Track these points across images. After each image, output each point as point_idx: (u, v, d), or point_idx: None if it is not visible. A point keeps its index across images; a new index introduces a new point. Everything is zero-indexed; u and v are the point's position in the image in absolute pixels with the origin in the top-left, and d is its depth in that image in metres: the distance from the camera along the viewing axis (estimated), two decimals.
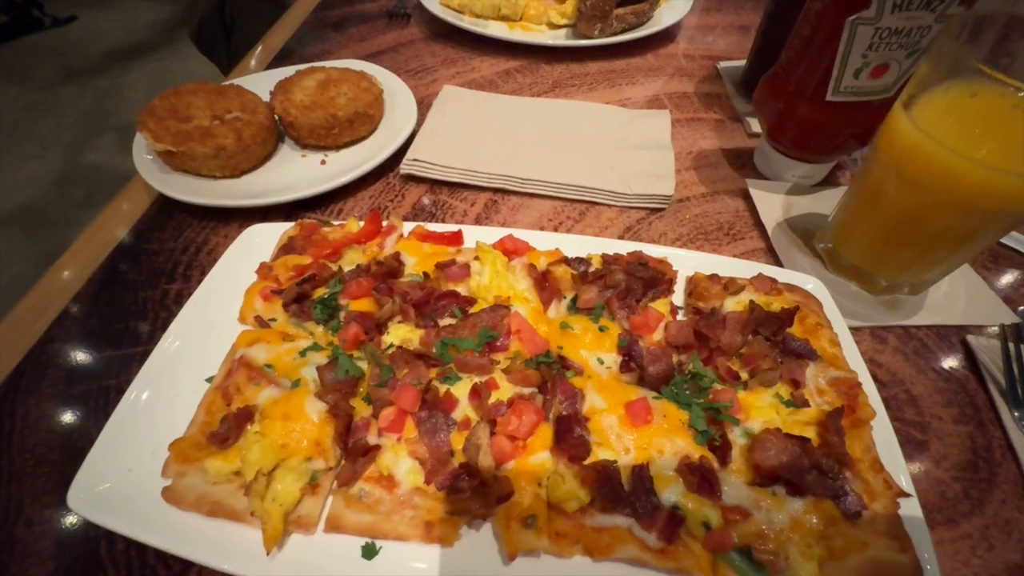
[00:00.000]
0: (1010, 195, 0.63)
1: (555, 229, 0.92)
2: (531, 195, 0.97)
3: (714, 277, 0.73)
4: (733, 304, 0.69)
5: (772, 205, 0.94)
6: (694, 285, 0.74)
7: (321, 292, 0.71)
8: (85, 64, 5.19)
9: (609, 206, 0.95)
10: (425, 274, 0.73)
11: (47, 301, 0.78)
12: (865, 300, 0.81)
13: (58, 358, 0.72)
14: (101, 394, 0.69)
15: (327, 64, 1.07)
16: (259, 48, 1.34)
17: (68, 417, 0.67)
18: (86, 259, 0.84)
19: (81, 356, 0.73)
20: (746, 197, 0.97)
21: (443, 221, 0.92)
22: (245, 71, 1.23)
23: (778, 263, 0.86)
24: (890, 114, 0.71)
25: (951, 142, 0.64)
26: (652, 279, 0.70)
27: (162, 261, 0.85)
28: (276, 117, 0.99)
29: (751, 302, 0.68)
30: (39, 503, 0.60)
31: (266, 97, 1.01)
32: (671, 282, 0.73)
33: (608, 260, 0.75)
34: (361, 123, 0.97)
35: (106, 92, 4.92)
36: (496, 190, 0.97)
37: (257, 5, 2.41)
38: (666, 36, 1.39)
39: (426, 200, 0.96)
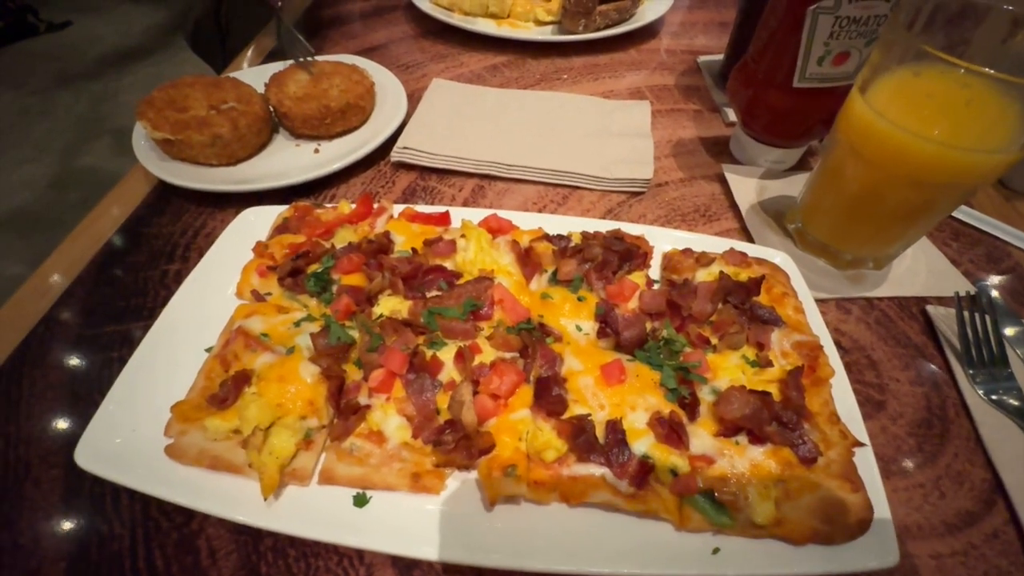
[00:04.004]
0: (958, 168, 0.68)
1: (539, 212, 0.96)
2: (517, 180, 1.01)
3: (687, 251, 0.77)
4: (704, 275, 0.74)
5: (746, 188, 0.99)
6: (669, 260, 0.78)
7: (315, 267, 0.75)
8: (80, 69, 5.21)
9: (591, 190, 1.00)
10: (414, 250, 0.77)
11: (51, 281, 0.82)
12: (832, 275, 0.86)
13: (62, 332, 0.76)
14: (104, 365, 0.73)
15: (319, 58, 1.11)
16: (251, 48, 1.38)
17: (73, 386, 0.71)
18: (88, 242, 0.88)
19: (85, 330, 0.76)
20: (722, 182, 1.02)
21: (431, 204, 0.96)
22: (238, 69, 1.27)
23: (751, 241, 0.91)
24: (848, 98, 0.76)
25: (902, 121, 0.68)
26: (627, 252, 0.74)
27: (161, 244, 0.88)
28: (271, 108, 1.03)
29: (721, 272, 0.73)
30: (46, 463, 0.63)
31: (261, 89, 1.05)
32: (647, 256, 0.77)
33: (587, 237, 0.80)
34: (353, 114, 1.01)
35: (101, 96, 4.95)
36: (483, 176, 1.01)
37: (252, 8, 2.45)
38: (649, 32, 1.44)
39: (416, 186, 1.00)
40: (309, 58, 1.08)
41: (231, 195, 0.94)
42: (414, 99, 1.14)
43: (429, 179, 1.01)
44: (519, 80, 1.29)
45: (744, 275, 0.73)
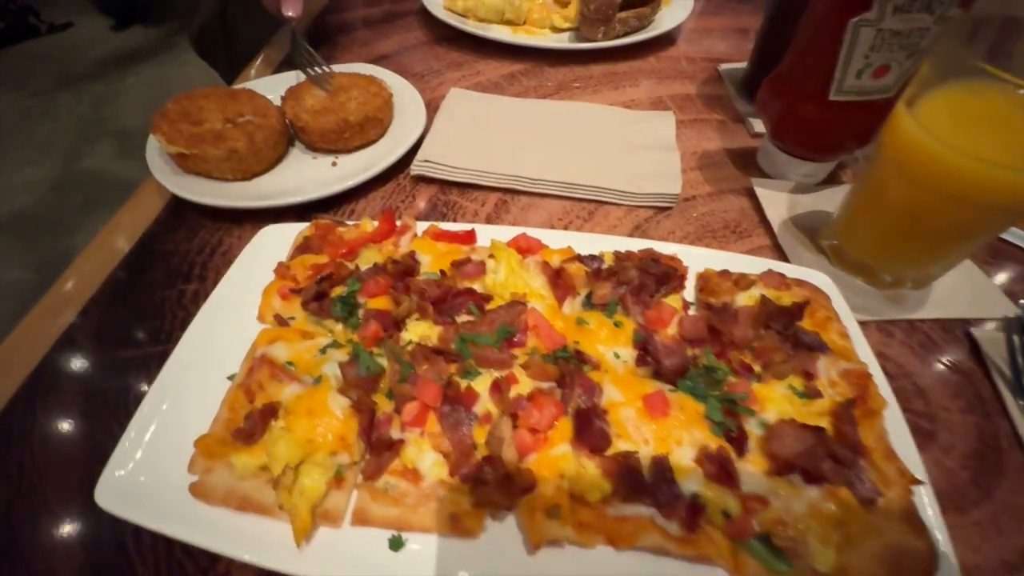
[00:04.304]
0: (1010, 189, 0.65)
1: (565, 228, 0.93)
2: (541, 195, 0.98)
3: (724, 273, 0.75)
4: (744, 299, 0.71)
5: (777, 203, 0.96)
6: (705, 281, 0.75)
7: (339, 290, 0.72)
8: (81, 70, 5.17)
9: (617, 205, 0.97)
10: (442, 272, 0.74)
11: (63, 303, 0.79)
12: (871, 295, 0.83)
13: (77, 358, 0.73)
14: (122, 392, 0.70)
15: (336, 68, 1.08)
16: (260, 58, 1.35)
17: (90, 415, 0.68)
18: (101, 261, 0.85)
19: (100, 356, 0.73)
20: (751, 196, 0.99)
21: (455, 221, 0.94)
22: (247, 80, 1.24)
23: (785, 259, 0.88)
24: (892, 113, 0.73)
25: (952, 139, 0.66)
26: (664, 275, 0.71)
27: (177, 262, 0.85)
28: (287, 121, 1.00)
29: (762, 296, 0.70)
30: (63, 499, 0.60)
31: (277, 101, 1.03)
32: (682, 278, 0.74)
33: (620, 257, 0.77)
34: (371, 127, 0.98)
35: (103, 98, 4.91)
36: (506, 190, 0.98)
37: (259, 12, 2.42)
38: (667, 39, 1.41)
39: (437, 200, 0.97)
40: (324, 69, 1.05)
41: (248, 211, 0.91)
42: (431, 108, 1.11)
43: (450, 193, 0.98)
44: (537, 89, 1.26)
45: (786, 299, 0.70)
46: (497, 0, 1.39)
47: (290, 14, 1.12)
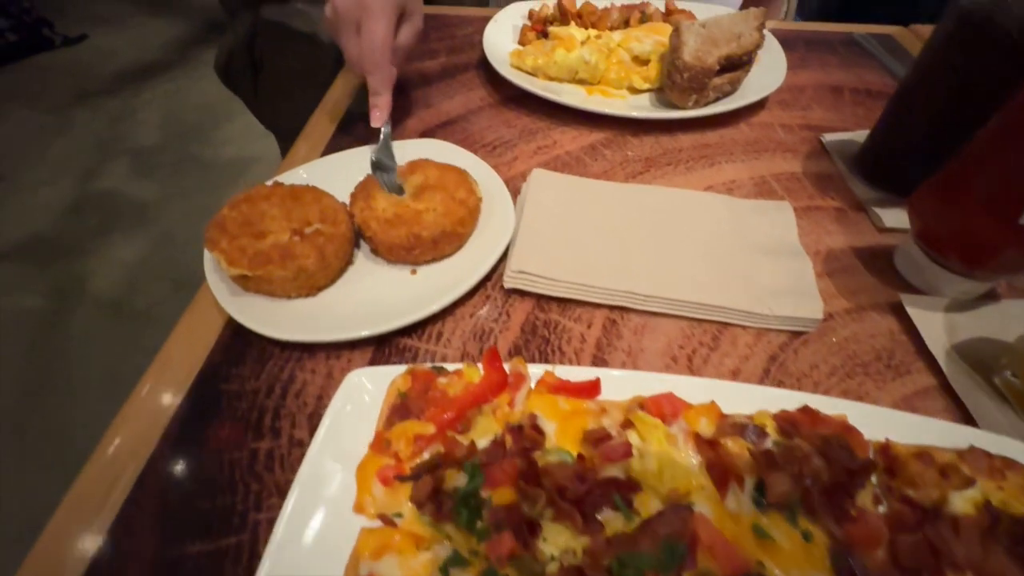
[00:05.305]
0: None
1: (688, 359, 0.80)
2: (653, 313, 0.85)
3: (925, 457, 0.61)
4: (961, 501, 0.58)
5: (934, 326, 0.82)
6: (894, 462, 0.62)
7: (454, 477, 0.60)
8: (96, 85, 5.10)
9: (744, 328, 0.83)
10: (580, 456, 0.61)
11: (115, 472, 0.66)
12: None
13: (133, 559, 0.60)
14: None
15: (425, 151, 0.96)
16: (311, 124, 1.22)
17: None
18: (155, 407, 0.72)
19: (163, 552, 0.61)
20: (897, 313, 0.85)
21: (559, 348, 0.81)
22: (296, 158, 1.11)
23: (958, 405, 0.74)
24: None
25: None
26: (864, 468, 0.58)
27: (245, 408, 0.73)
28: (356, 225, 0.87)
29: (986, 504, 0.56)
30: None
31: (338, 187, 0.90)
32: (871, 468, 0.61)
33: (784, 428, 0.64)
34: (446, 242, 0.85)
35: (119, 115, 4.83)
36: (612, 307, 0.85)
37: (289, 43, 2.30)
38: (756, 102, 1.27)
39: (535, 320, 0.84)
40: (395, 177, 0.92)
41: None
42: (511, 187, 0.98)
43: (549, 309, 0.85)
44: (624, 165, 1.13)
45: (1012, 501, 0.57)
46: (570, 59, 1.26)
47: (375, 125, 1.02)
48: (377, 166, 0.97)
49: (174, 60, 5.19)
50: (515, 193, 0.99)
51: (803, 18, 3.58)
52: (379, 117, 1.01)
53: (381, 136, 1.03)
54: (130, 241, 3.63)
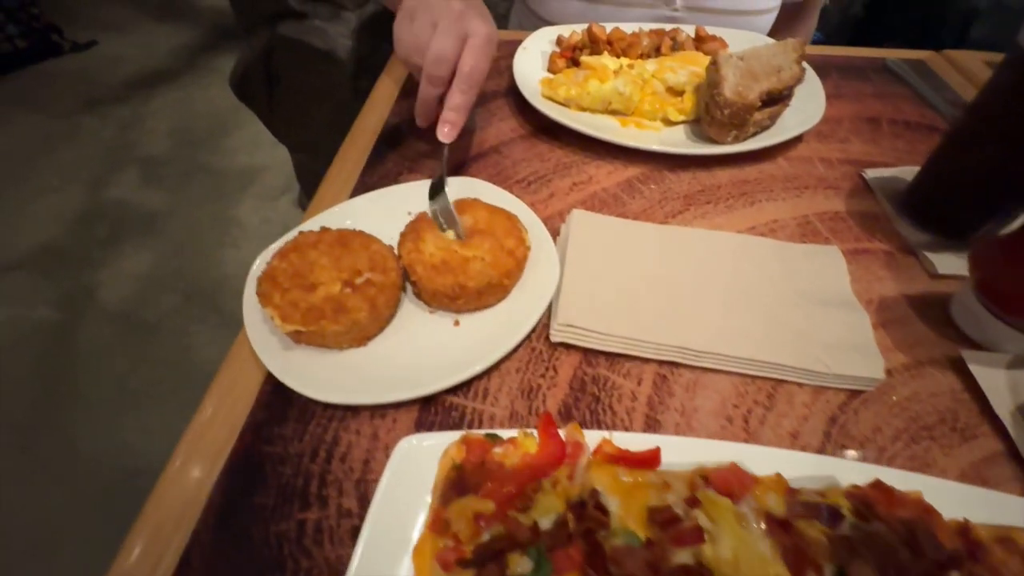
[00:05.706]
0: None
1: (744, 420, 0.77)
2: (704, 369, 0.82)
3: (1009, 543, 0.58)
4: None
5: (998, 385, 0.79)
6: (980, 550, 0.59)
7: (517, 562, 0.57)
8: (105, 92, 5.09)
9: (800, 385, 0.81)
10: (648, 541, 0.58)
11: (159, 549, 0.64)
12: None
13: None
14: None
15: (464, 191, 0.93)
16: (344, 152, 1.18)
17: None
18: (196, 474, 0.70)
19: None
20: (957, 369, 0.83)
21: (611, 407, 0.78)
22: (327, 196, 1.08)
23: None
24: None
25: None
26: (952, 560, 0.55)
27: (289, 474, 0.70)
28: (403, 267, 0.84)
29: None
30: None
31: (386, 235, 0.87)
32: (959, 560, 0.58)
33: (858, 508, 0.61)
34: (491, 294, 0.82)
35: (128, 122, 4.82)
36: (662, 361, 0.83)
37: (306, 59, 2.28)
38: (794, 136, 1.24)
39: (584, 375, 0.81)
40: (449, 225, 0.89)
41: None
42: (549, 226, 0.95)
43: (597, 364, 0.82)
44: (662, 203, 1.10)
45: None
46: (604, 90, 1.24)
47: (444, 140, 0.97)
48: (436, 189, 0.94)
49: (183, 67, 5.18)
50: (554, 234, 0.97)
51: (823, 35, 3.55)
52: (449, 133, 0.97)
53: (444, 154, 0.99)
54: (139, 251, 3.61)
